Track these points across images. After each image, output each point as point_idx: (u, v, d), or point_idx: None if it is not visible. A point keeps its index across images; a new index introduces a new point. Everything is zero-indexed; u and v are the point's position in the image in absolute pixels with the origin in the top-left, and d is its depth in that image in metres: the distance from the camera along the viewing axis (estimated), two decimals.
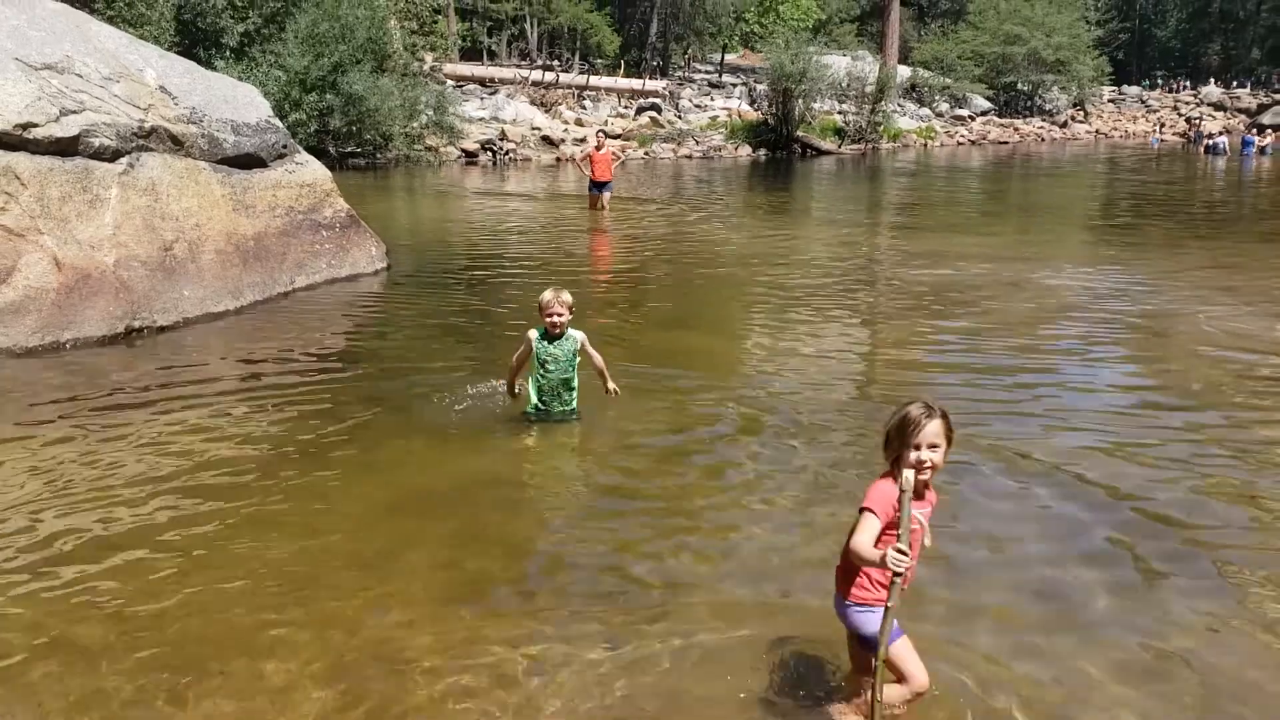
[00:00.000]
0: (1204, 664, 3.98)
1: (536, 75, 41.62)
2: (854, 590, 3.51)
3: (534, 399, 6.63)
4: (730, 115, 41.24)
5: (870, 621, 3.44)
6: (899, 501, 3.30)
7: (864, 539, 3.34)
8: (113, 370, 7.96)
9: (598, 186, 18.67)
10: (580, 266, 13.80)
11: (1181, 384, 7.87)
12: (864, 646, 3.52)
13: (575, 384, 6.64)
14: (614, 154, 19.60)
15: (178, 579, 4.59)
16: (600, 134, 22.06)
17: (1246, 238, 16.35)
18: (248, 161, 11.34)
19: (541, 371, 6.54)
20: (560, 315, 6.40)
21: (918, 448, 3.37)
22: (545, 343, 6.48)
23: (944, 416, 3.40)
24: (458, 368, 8.11)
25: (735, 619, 4.29)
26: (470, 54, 48.91)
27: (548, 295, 6.44)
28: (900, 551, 3.22)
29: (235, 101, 11.71)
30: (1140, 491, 5.67)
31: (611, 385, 6.74)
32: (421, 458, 6.18)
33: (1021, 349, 8.89)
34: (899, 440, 3.40)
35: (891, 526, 3.35)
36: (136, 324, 9.02)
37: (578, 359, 6.57)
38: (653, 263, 13.81)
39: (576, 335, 6.54)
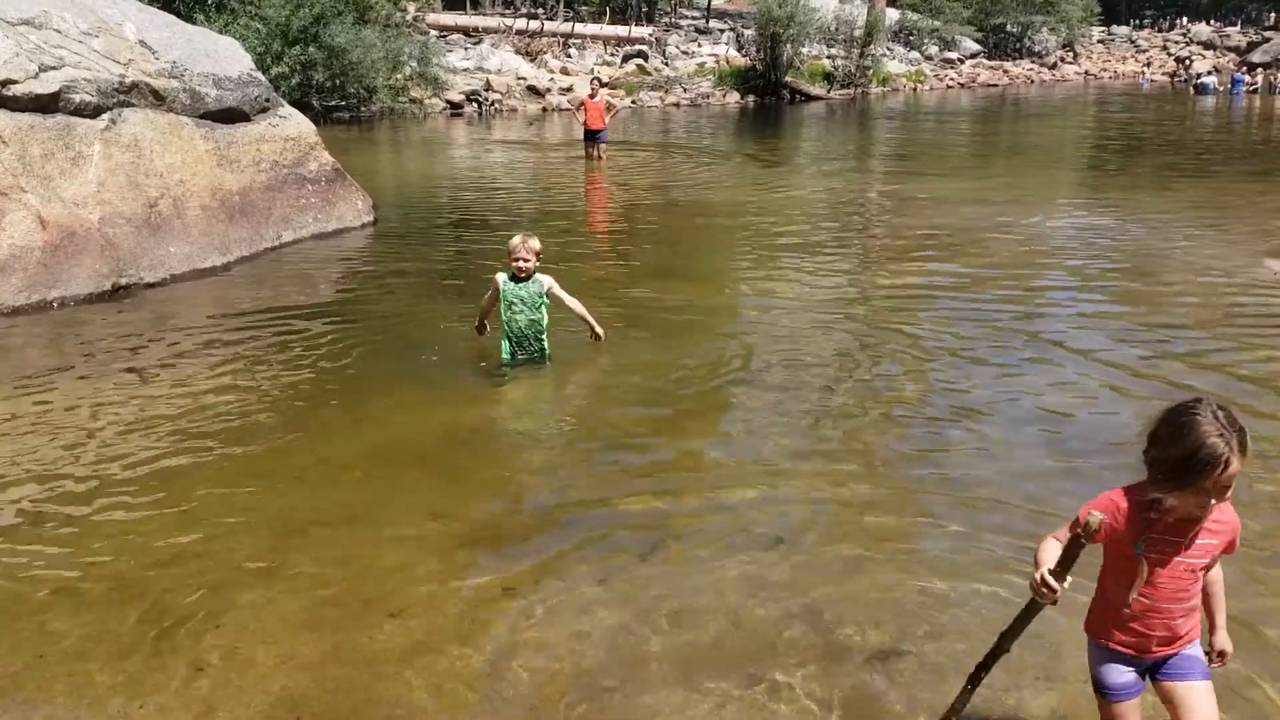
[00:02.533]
0: None
1: (521, 24, 41.12)
2: (1088, 614, 2.87)
3: (505, 345, 6.77)
4: (718, 61, 40.82)
5: (1091, 656, 2.85)
6: (1070, 545, 2.64)
7: (1053, 539, 2.76)
8: (101, 327, 7.95)
9: (591, 135, 18.28)
10: (568, 217, 13.75)
11: (1170, 321, 7.91)
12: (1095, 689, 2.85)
13: (544, 326, 6.78)
14: (608, 102, 19.17)
15: (170, 530, 4.64)
16: (595, 81, 21.63)
17: (1235, 177, 16.34)
18: (230, 116, 11.23)
19: (509, 314, 6.71)
20: (525, 260, 6.62)
21: (1205, 491, 2.51)
22: (512, 284, 6.68)
23: (1245, 446, 2.49)
24: (445, 319, 8.12)
25: (725, 561, 4.35)
26: (453, 2, 48.28)
27: (515, 240, 6.67)
28: (1046, 585, 2.63)
29: (216, 55, 11.58)
30: (1126, 428, 5.73)
31: (599, 330, 6.92)
32: (410, 408, 6.21)
33: (1012, 290, 8.92)
34: (1184, 474, 2.49)
35: (1122, 548, 2.67)
36: (123, 281, 9.00)
37: (544, 301, 6.72)
38: (642, 211, 13.77)
39: (543, 279, 6.71)
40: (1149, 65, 54.69)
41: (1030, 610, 2.80)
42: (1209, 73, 43.13)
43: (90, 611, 3.97)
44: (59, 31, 9.72)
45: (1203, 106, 33.55)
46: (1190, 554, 2.63)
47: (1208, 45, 61.73)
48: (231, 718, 3.38)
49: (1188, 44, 62.92)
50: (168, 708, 3.42)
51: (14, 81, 8.96)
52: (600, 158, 18.19)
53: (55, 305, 8.45)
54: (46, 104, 9.22)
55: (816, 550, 4.43)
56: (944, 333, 7.58)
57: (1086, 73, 54.30)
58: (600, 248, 11.48)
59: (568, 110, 29.51)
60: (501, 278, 6.72)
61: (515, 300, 6.68)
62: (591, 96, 18.60)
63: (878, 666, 3.59)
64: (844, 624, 3.85)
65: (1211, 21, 72.13)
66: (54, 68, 9.34)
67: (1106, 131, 26.20)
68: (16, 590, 4.13)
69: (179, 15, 15.54)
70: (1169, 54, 59.97)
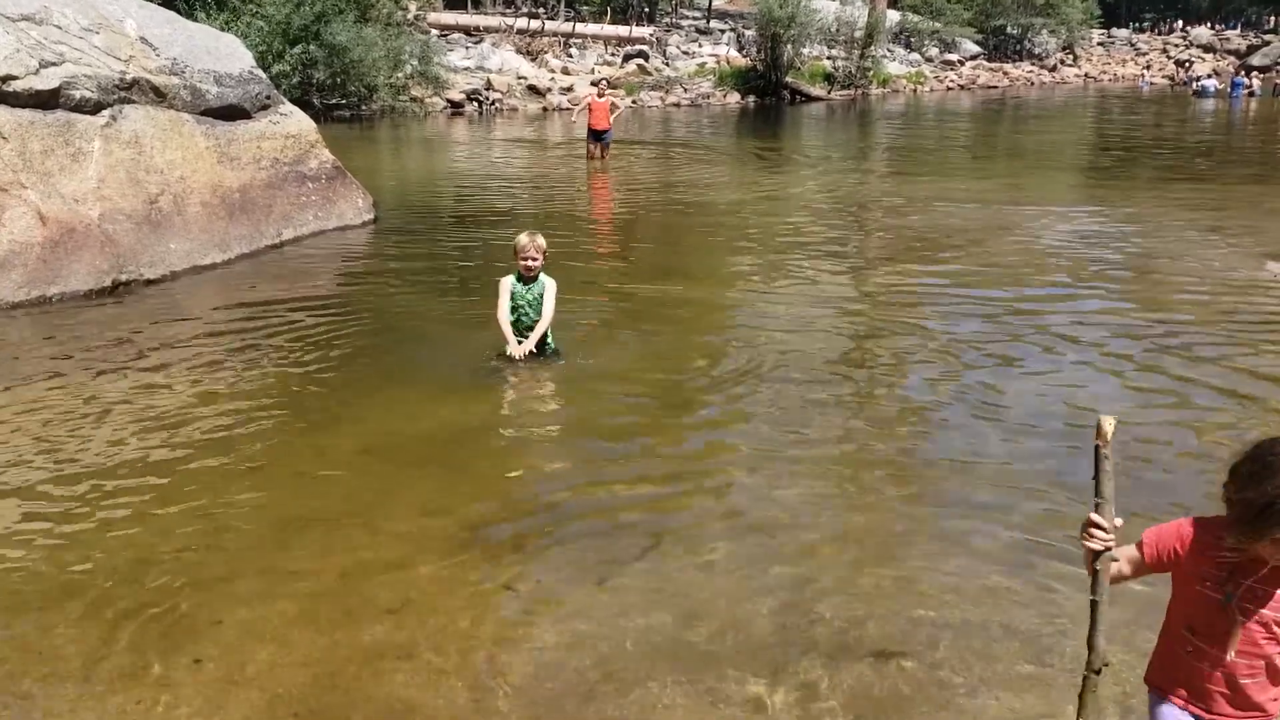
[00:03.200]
0: None
1: (522, 23, 41.11)
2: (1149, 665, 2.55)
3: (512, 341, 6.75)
4: (718, 62, 40.79)
5: (1154, 712, 2.49)
6: (1095, 460, 2.37)
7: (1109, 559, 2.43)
8: (101, 324, 7.94)
9: (596, 135, 18.18)
10: (570, 215, 13.73)
11: (1173, 321, 7.90)
12: None
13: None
14: (613, 102, 19.10)
15: (168, 526, 4.63)
16: (602, 81, 21.56)
17: (1234, 180, 16.35)
18: (231, 113, 11.21)
19: (515, 314, 6.71)
20: (534, 259, 6.58)
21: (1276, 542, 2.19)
22: (519, 285, 6.67)
23: None
24: (446, 317, 8.12)
25: (726, 559, 4.34)
26: (454, 1, 48.25)
27: (523, 239, 6.62)
28: (1094, 525, 2.36)
29: (217, 52, 11.56)
30: (1131, 428, 5.72)
31: (530, 346, 6.61)
32: (410, 406, 6.20)
33: (1013, 290, 8.91)
34: (1259, 521, 2.17)
35: (1187, 589, 2.38)
36: (123, 278, 8.98)
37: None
38: (642, 211, 13.77)
39: (546, 281, 6.68)
40: (1149, 68, 54.68)
41: (1099, 583, 2.41)
42: (1209, 76, 43.12)
43: (88, 608, 3.95)
44: (59, 27, 9.70)
45: (1202, 109, 33.55)
46: (1272, 607, 2.29)
47: (1207, 48, 61.74)
48: (229, 715, 3.37)
49: (1187, 47, 62.92)
50: (166, 705, 3.40)
51: (14, 77, 8.94)
52: (604, 157, 18.15)
53: (55, 301, 8.43)
54: (47, 100, 9.20)
55: (820, 548, 4.42)
56: (946, 331, 7.57)
57: (1086, 75, 54.28)
58: (602, 246, 11.47)
59: (568, 110, 29.45)
60: (509, 281, 6.69)
61: (522, 303, 6.69)
62: (598, 97, 18.57)
63: (882, 665, 3.58)
64: (847, 622, 3.84)
65: (1211, 25, 72.14)
66: (54, 64, 9.33)
67: (1106, 134, 26.20)
68: (13, 587, 4.12)
69: (180, 12, 15.51)
70: (1169, 57, 59.97)
